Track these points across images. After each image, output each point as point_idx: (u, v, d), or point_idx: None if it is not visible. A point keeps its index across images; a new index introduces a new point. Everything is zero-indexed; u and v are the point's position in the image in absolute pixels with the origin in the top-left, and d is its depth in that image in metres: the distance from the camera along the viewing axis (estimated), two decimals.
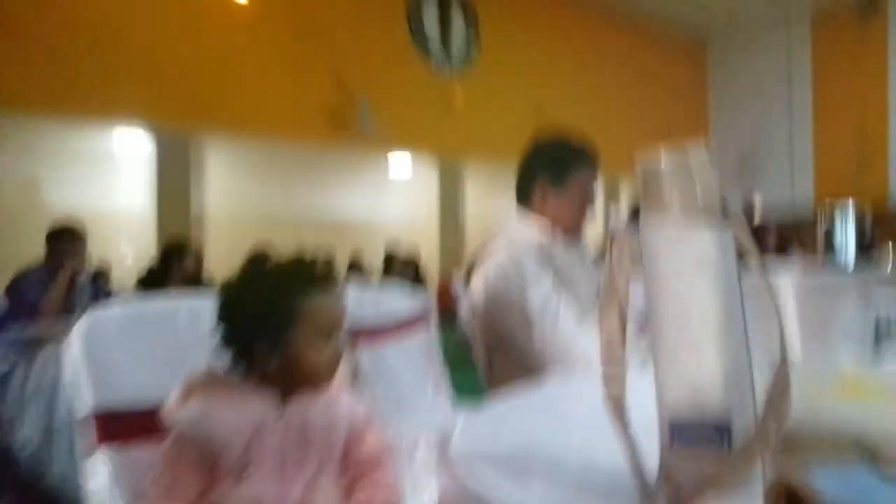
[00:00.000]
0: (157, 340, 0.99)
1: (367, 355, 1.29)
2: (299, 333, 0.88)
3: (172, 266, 3.88)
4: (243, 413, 0.86)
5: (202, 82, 5.94)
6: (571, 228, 1.83)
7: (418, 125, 7.24)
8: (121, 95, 5.51)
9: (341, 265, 6.26)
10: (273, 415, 0.87)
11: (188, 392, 0.87)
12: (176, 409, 0.85)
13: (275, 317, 0.88)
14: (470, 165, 7.90)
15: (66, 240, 3.61)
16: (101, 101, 5.48)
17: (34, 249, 3.70)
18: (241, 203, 6.70)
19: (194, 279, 3.91)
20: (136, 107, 5.65)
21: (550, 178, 1.80)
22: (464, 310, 1.83)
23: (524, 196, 1.86)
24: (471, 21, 7.75)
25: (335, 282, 0.94)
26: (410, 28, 7.38)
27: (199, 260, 4.81)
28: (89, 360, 0.93)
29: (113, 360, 0.96)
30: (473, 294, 1.77)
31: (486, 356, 1.80)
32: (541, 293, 1.64)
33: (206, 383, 0.89)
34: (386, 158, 7.72)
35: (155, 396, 0.90)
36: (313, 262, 0.94)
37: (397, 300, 1.53)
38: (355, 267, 6.55)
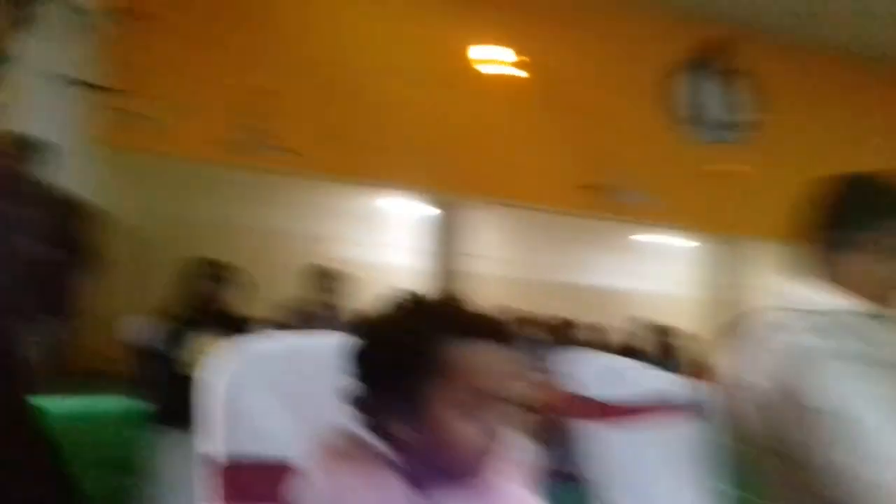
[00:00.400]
0: (298, 383, 0.84)
1: (599, 433, 1.08)
2: (440, 391, 0.67)
3: None
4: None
5: (467, 152, 6.37)
6: (879, 297, 1.25)
7: (678, 199, 6.84)
8: (394, 163, 6.17)
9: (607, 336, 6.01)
10: None
11: (316, 463, 0.71)
12: (299, 488, 0.69)
13: (409, 365, 0.68)
14: (743, 241, 7.23)
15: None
16: (377, 168, 6.18)
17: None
18: (500, 264, 6.91)
19: None
20: (407, 173, 6.26)
21: (852, 229, 1.27)
22: (732, 403, 1.42)
23: (814, 255, 1.29)
24: (730, 89, 7.17)
25: (503, 333, 0.72)
26: (667, 99, 7.09)
27: None
28: (229, 404, 0.80)
29: (253, 405, 0.81)
30: (737, 383, 1.36)
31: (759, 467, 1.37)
32: (841, 389, 1.10)
33: (336, 453, 0.71)
34: (632, 229, 7.43)
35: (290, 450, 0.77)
36: (470, 307, 0.74)
37: (655, 379, 1.28)
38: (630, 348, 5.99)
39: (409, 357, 0.68)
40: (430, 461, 0.69)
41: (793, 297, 1.30)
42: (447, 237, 6.68)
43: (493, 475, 0.70)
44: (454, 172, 6.39)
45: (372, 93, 6.24)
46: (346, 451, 0.71)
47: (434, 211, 6.72)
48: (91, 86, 5.41)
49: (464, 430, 0.67)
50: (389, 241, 6.68)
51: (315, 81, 6.20)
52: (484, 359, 0.69)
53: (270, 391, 0.82)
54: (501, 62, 6.60)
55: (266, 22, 6.12)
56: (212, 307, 3.00)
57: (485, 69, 6.61)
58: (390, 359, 0.69)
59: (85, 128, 5.51)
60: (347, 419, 0.73)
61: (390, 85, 6.25)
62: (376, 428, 0.71)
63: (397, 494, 0.68)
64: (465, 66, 6.60)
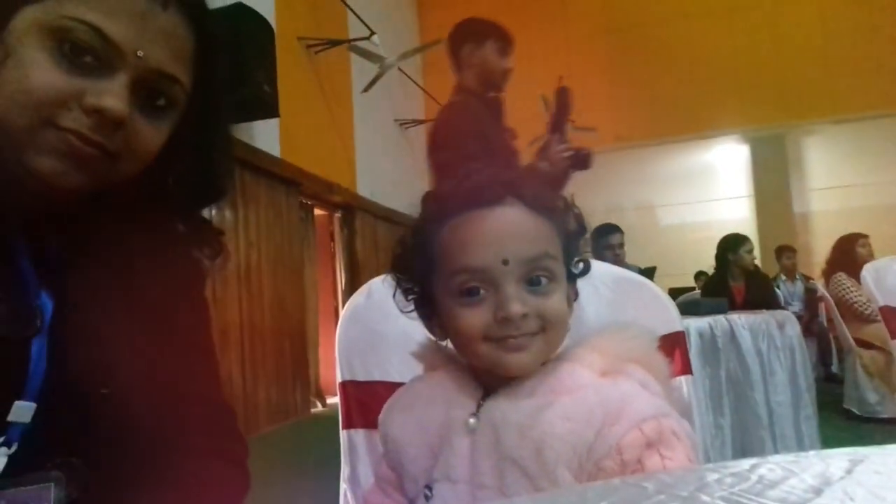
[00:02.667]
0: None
1: None
2: (439, 282, 0.67)
3: (728, 260, 3.80)
4: (432, 415, 0.69)
5: (788, 80, 5.67)
6: None
7: None
8: (714, 111, 5.74)
9: None
10: (465, 418, 0.67)
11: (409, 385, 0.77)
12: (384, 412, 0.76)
13: (416, 265, 0.70)
14: None
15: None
16: (698, 121, 5.82)
17: (652, 262, 4.10)
18: (846, 195, 5.83)
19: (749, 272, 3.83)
20: (729, 118, 5.76)
21: None
22: None
23: None
24: None
25: (486, 195, 0.66)
26: None
27: (790, 253, 4.81)
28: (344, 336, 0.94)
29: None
30: None
31: None
32: None
33: (426, 357, 0.77)
34: None
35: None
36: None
37: None
38: None
39: (413, 255, 0.70)
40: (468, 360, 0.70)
41: None
42: (782, 176, 5.89)
43: (567, 364, 0.66)
44: (779, 103, 5.66)
45: (684, 50, 5.94)
46: (428, 359, 0.76)
47: (764, 150, 5.99)
48: (417, 121, 6.22)
49: (467, 319, 0.64)
50: (715, 195, 6.19)
51: (607, 57, 6.16)
52: (461, 235, 0.66)
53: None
54: None
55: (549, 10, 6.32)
56: None
57: None
58: (406, 261, 0.72)
59: (417, 157, 6.36)
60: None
61: (683, 31, 5.87)
62: (431, 333, 0.73)
63: (446, 408, 0.69)
64: None
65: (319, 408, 4.45)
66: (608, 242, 3.83)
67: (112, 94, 0.55)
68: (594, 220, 4.51)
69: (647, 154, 6.25)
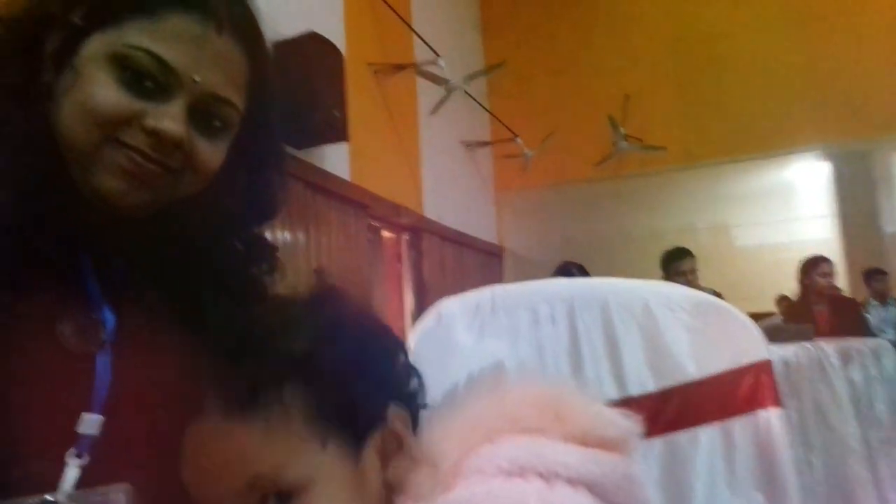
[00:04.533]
0: None
1: None
2: None
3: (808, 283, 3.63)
4: None
5: (871, 92, 5.42)
6: None
7: None
8: (792, 127, 5.52)
9: None
10: None
11: None
12: None
13: None
14: None
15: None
16: (774, 137, 5.61)
17: (726, 286, 3.94)
18: None
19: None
20: (808, 134, 5.52)
21: None
22: None
23: None
24: None
25: None
26: None
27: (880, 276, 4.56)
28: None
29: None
30: None
31: None
32: None
33: None
34: None
35: None
36: None
37: None
38: None
39: None
40: None
41: None
42: (869, 194, 5.56)
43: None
44: (862, 119, 5.38)
45: (733, 65, 5.78)
46: None
47: (850, 167, 5.69)
48: (483, 143, 6.25)
49: None
50: (795, 214, 5.91)
51: (675, 72, 6.04)
52: None
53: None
54: None
55: (616, 34, 6.26)
56: None
57: None
58: None
59: (483, 179, 6.37)
60: None
61: (755, 43, 5.69)
62: None
63: None
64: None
65: None
66: (679, 268, 3.71)
67: (170, 117, 0.58)
68: (664, 242, 4.40)
69: (720, 172, 6.04)
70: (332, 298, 0.59)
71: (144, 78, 0.59)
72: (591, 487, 0.50)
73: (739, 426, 0.90)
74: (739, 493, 0.91)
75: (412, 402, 0.58)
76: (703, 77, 6.01)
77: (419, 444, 0.53)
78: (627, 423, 0.54)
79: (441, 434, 0.53)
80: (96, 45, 0.59)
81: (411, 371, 0.60)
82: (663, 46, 6.19)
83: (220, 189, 0.65)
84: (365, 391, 0.53)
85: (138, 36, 0.59)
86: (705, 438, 0.92)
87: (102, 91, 0.58)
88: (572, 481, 0.49)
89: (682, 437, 0.93)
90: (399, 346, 0.60)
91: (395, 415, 0.54)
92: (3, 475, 0.53)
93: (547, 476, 0.49)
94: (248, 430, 0.48)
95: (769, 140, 5.76)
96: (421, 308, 4.90)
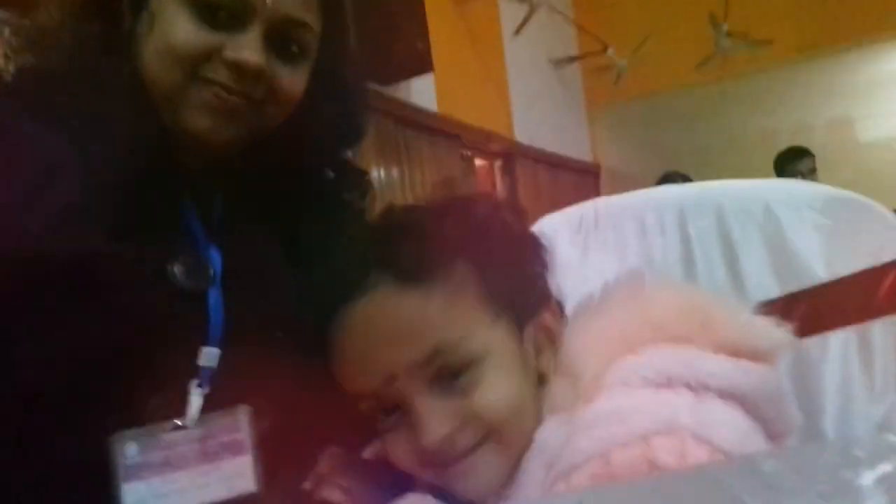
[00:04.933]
0: None
1: None
2: None
3: None
4: None
5: None
6: None
7: None
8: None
9: None
10: None
11: None
12: None
13: None
14: None
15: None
16: (889, 15, 4.99)
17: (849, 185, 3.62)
18: None
19: None
20: None
21: None
22: None
23: None
24: None
25: None
26: None
27: None
28: None
29: None
30: None
31: None
32: None
33: None
34: None
35: None
36: None
37: None
38: None
39: None
40: None
41: None
42: None
43: None
44: None
45: None
46: None
47: None
48: (571, 58, 5.97)
49: (393, 449, 0.54)
50: None
51: None
52: (334, 352, 0.55)
53: None
54: None
55: None
56: None
57: None
58: None
59: (574, 96, 6.13)
60: None
61: None
62: None
63: None
64: None
65: None
66: (796, 169, 3.44)
67: (248, 47, 0.59)
68: (778, 144, 4.07)
69: (839, 61, 5.47)
70: (482, 200, 0.58)
71: (218, 9, 0.59)
72: (741, 400, 0.47)
73: (880, 329, 0.83)
74: (879, 399, 0.84)
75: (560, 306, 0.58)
76: None
77: (559, 355, 0.52)
78: (779, 333, 0.51)
79: (580, 345, 0.51)
80: None
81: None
82: None
83: (304, 117, 0.65)
84: (529, 275, 0.54)
85: None
86: (837, 343, 0.86)
87: (178, 29, 0.58)
88: (723, 393, 0.46)
89: (810, 343, 0.87)
90: (546, 248, 0.59)
91: (550, 309, 0.55)
92: (136, 406, 0.57)
93: (696, 388, 0.46)
94: (429, 300, 0.48)
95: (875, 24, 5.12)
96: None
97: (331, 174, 0.73)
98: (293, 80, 0.64)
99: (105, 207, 0.58)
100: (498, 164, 4.98)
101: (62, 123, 0.58)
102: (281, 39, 0.62)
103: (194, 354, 0.59)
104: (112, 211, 0.58)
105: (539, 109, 5.25)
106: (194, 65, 0.59)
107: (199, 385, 0.59)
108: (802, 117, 5.55)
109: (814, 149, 3.57)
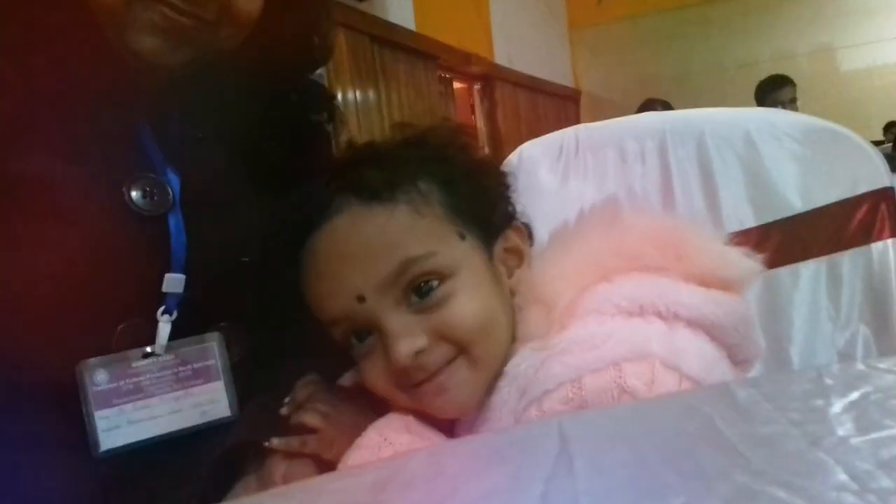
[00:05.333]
0: None
1: None
2: None
3: None
4: None
5: None
6: None
7: None
8: None
9: None
10: None
11: None
12: None
13: None
14: None
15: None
16: None
17: (830, 115, 3.61)
18: None
19: None
20: None
21: None
22: None
23: None
24: None
25: None
26: None
27: None
28: None
29: None
30: None
31: None
32: None
33: None
34: None
35: None
36: None
37: None
38: None
39: None
40: None
41: None
42: None
43: None
44: None
45: None
46: None
47: None
48: None
49: (366, 374, 0.55)
50: None
51: None
52: (303, 276, 0.55)
53: None
54: None
55: None
56: None
57: None
58: None
59: (556, 17, 5.95)
60: None
61: None
62: None
63: None
64: None
65: None
66: (777, 98, 3.42)
67: None
68: (759, 72, 4.03)
69: None
70: (441, 129, 0.57)
71: None
72: (710, 329, 0.48)
73: (849, 259, 0.84)
74: (843, 327, 0.86)
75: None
76: None
77: (531, 283, 0.52)
78: (749, 263, 0.51)
79: (554, 272, 0.52)
80: None
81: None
82: None
83: (263, 37, 0.61)
84: (490, 195, 0.55)
85: None
86: (807, 273, 0.87)
87: None
88: (692, 323, 0.47)
89: (782, 272, 0.88)
90: (505, 172, 0.59)
91: (515, 228, 0.55)
92: (103, 333, 0.56)
93: (667, 316, 0.47)
94: (393, 217, 0.49)
95: None
96: (496, 158, 4.82)
97: (294, 96, 0.69)
98: None
99: (52, 126, 0.54)
100: (477, 86, 4.87)
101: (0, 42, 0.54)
102: None
103: (159, 281, 0.58)
104: (60, 130, 0.55)
105: (520, 31, 5.10)
106: None
107: (166, 312, 0.58)
108: (784, 45, 5.49)
109: (795, 77, 3.54)
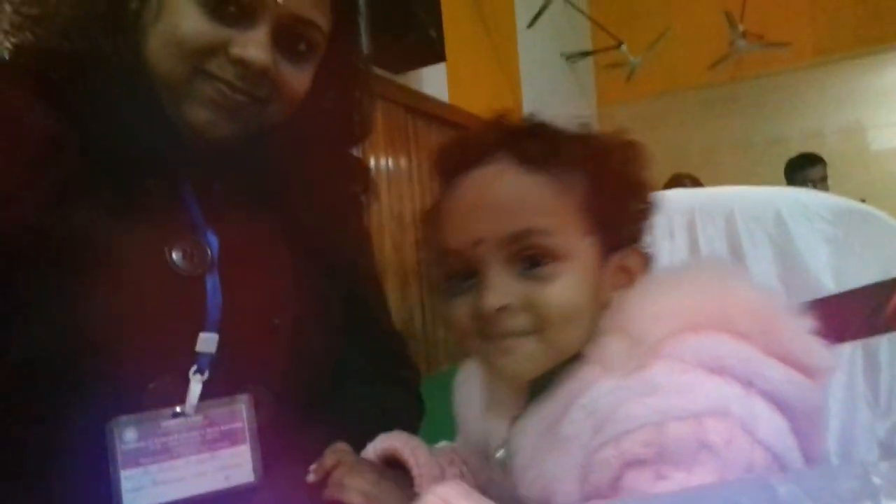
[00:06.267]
0: None
1: None
2: None
3: None
4: (476, 409, 0.63)
5: None
6: None
7: None
8: None
9: None
10: (499, 439, 0.58)
11: None
12: None
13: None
14: None
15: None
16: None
17: (859, 194, 3.60)
18: None
19: None
20: None
21: None
22: None
23: None
24: None
25: None
26: None
27: None
28: None
29: None
30: None
31: None
32: None
33: None
34: None
35: None
36: None
37: None
38: None
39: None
40: None
41: None
42: None
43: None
44: None
45: None
46: None
47: None
48: (584, 53, 5.93)
49: (453, 310, 0.56)
50: None
51: None
52: (443, 206, 0.57)
53: None
54: None
55: None
56: None
57: None
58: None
59: (585, 92, 6.09)
60: None
61: None
62: None
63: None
64: None
65: None
66: (808, 177, 3.41)
67: (255, 44, 0.57)
68: (788, 149, 4.04)
69: (853, 68, 5.42)
70: (616, 138, 0.59)
71: (227, 4, 0.57)
72: (783, 408, 0.48)
73: (887, 344, 0.82)
74: (883, 415, 0.83)
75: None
76: None
77: (625, 310, 0.53)
78: (828, 356, 0.51)
79: (652, 310, 0.52)
80: None
81: None
82: None
83: (308, 114, 0.64)
84: (630, 210, 0.56)
85: None
86: (843, 357, 0.85)
87: (186, 20, 0.57)
88: (767, 396, 0.47)
89: None
90: (654, 200, 0.61)
91: (637, 251, 0.57)
92: (135, 391, 0.57)
93: (745, 384, 0.47)
94: (538, 186, 0.51)
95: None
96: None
97: (333, 168, 0.72)
98: (299, 78, 0.63)
99: (103, 188, 0.57)
100: None
101: (61, 101, 0.57)
102: (289, 37, 0.61)
103: (193, 340, 0.59)
104: (111, 192, 0.57)
105: (550, 103, 5.22)
106: (199, 59, 0.58)
107: (198, 371, 0.59)
108: (814, 123, 5.51)
109: (825, 156, 3.54)
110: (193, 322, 0.60)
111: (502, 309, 0.50)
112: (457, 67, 3.90)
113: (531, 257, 0.51)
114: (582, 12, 5.83)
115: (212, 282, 0.61)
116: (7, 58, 0.59)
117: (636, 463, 0.43)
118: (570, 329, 0.51)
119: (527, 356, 0.51)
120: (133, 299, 0.57)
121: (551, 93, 5.38)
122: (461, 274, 0.54)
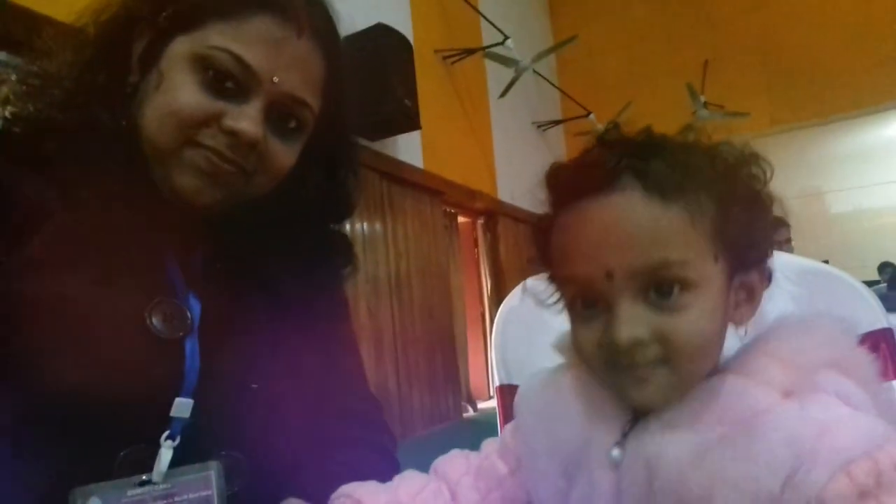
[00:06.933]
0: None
1: None
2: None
3: None
4: (568, 429, 0.59)
5: None
6: None
7: None
8: (887, 79, 5.15)
9: None
10: (608, 446, 0.55)
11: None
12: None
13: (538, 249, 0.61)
14: None
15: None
16: (870, 94, 5.24)
17: (822, 255, 3.70)
18: None
19: None
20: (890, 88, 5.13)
21: None
22: None
23: None
24: None
25: None
26: None
27: None
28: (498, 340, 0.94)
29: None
30: None
31: None
32: None
33: (567, 350, 0.64)
34: None
35: None
36: None
37: None
38: None
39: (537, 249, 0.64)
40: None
41: None
42: None
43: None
44: None
45: (818, 20, 5.41)
46: (569, 353, 0.67)
47: None
48: (554, 122, 6.13)
49: (580, 335, 0.56)
50: (894, 175, 5.48)
51: (756, 33, 5.72)
52: (564, 235, 0.56)
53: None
54: None
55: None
56: None
57: None
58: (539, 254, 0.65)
59: (556, 159, 6.24)
60: None
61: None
62: None
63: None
64: None
65: (471, 412, 4.48)
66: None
67: (248, 118, 0.59)
68: None
69: (810, 136, 5.69)
70: (735, 149, 0.58)
71: (225, 79, 0.60)
72: None
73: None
74: None
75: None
76: (786, 37, 5.66)
77: (779, 342, 0.53)
78: None
79: (791, 343, 0.52)
80: (180, 47, 0.61)
81: None
82: (742, 7, 5.87)
83: (291, 188, 0.66)
84: (756, 230, 0.55)
85: (221, 38, 0.60)
86: None
87: (184, 93, 0.59)
88: None
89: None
90: (773, 213, 0.60)
91: (760, 270, 0.56)
92: (105, 458, 0.55)
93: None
94: (669, 217, 0.50)
95: (862, 97, 5.38)
96: (498, 291, 4.88)
97: (314, 242, 0.73)
98: (286, 153, 0.65)
99: (86, 252, 0.57)
100: (480, 221, 5.03)
101: (49, 169, 0.58)
102: (280, 114, 0.63)
103: (168, 405, 0.58)
104: (93, 256, 0.57)
105: (522, 170, 5.35)
106: (193, 129, 0.59)
107: (170, 437, 0.58)
108: (776, 189, 5.71)
109: (788, 219, 3.66)
110: (170, 387, 0.59)
111: (635, 343, 0.50)
112: (431, 135, 4.00)
113: (661, 288, 0.50)
114: (552, 84, 6.07)
115: (191, 345, 0.61)
116: (2, 126, 0.60)
117: (862, 495, 0.42)
118: (701, 359, 0.51)
119: (659, 387, 0.51)
120: (111, 362, 0.56)
121: (523, 159, 5.52)
122: (586, 301, 0.53)
